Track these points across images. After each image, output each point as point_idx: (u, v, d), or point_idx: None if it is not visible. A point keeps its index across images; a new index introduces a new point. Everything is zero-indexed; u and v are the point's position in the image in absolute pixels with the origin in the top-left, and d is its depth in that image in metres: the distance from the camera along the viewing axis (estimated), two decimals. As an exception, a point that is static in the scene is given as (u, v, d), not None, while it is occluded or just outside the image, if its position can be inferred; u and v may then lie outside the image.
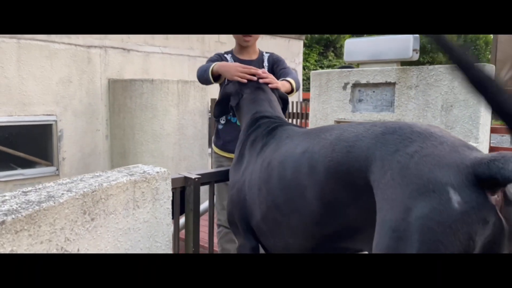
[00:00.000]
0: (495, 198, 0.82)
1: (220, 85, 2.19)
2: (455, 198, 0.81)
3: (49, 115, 4.61)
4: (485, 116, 2.40)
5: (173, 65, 5.78)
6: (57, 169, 4.70)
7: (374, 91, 2.82)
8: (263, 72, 1.84)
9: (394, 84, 2.67)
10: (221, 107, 1.83)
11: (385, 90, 2.76)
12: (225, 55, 2.33)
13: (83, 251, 1.11)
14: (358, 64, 3.04)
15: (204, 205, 2.76)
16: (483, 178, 0.80)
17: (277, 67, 2.36)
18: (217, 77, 2.03)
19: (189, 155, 5.16)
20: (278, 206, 1.26)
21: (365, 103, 2.86)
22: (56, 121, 4.66)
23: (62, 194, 1.06)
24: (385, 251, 0.88)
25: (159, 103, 4.89)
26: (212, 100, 5.33)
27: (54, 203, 1.01)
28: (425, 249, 0.82)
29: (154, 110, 4.89)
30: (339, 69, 3.00)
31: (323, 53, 16.12)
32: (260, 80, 1.80)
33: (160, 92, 4.87)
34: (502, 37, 9.49)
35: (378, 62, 2.81)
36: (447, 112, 2.47)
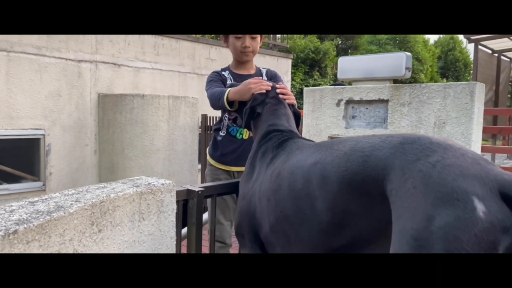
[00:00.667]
0: None
1: (235, 111, 2.04)
2: (479, 207, 0.82)
3: (37, 129, 4.53)
4: (477, 133, 2.46)
5: (163, 81, 5.78)
6: (43, 184, 4.61)
7: (367, 108, 2.87)
8: (281, 86, 1.82)
9: (387, 101, 2.72)
10: (248, 116, 1.73)
11: (378, 107, 2.81)
12: (223, 72, 2.34)
13: (90, 263, 1.08)
14: (350, 82, 3.09)
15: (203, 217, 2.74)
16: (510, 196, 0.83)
17: (274, 82, 2.39)
18: (231, 103, 1.94)
19: (179, 171, 5.13)
20: (287, 217, 1.25)
21: (359, 120, 2.90)
22: (44, 135, 4.59)
23: (71, 204, 1.05)
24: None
25: (149, 118, 4.87)
26: (203, 115, 5.33)
27: (64, 213, 0.99)
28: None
29: (144, 125, 4.86)
30: (332, 86, 3.05)
31: (308, 72, 16.32)
32: (278, 91, 1.77)
33: (151, 107, 4.86)
34: (481, 59, 9.79)
35: (371, 80, 2.86)
36: (439, 129, 2.52)
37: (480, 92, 2.43)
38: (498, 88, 10.31)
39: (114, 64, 5.25)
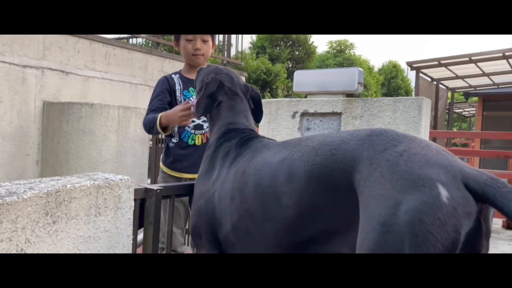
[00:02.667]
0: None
1: (168, 136, 2.20)
2: (443, 193, 0.86)
3: (-27, 135, 4.22)
4: (423, 146, 2.60)
5: (113, 92, 5.62)
6: (-23, 195, 4.26)
7: (321, 120, 2.95)
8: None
9: (340, 114, 2.81)
10: (205, 105, 1.68)
11: (331, 120, 2.90)
12: (173, 76, 2.31)
13: (42, 256, 1.01)
14: (306, 95, 3.17)
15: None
16: (474, 192, 0.87)
17: None
18: (165, 128, 2.06)
19: (127, 184, 4.95)
20: (252, 215, 1.23)
21: (313, 131, 2.97)
22: (-20, 142, 4.27)
23: (25, 191, 0.97)
24: (373, 247, 0.89)
25: (97, 128, 4.69)
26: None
27: (18, 198, 0.92)
28: (415, 241, 0.84)
29: (92, 135, 4.67)
30: (288, 99, 3.11)
31: (260, 92, 16.58)
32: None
33: (100, 117, 4.69)
34: (422, 86, 10.43)
35: (325, 93, 2.95)
36: (389, 141, 2.64)
37: (427, 107, 2.58)
38: (437, 114, 11.00)
39: (62, 71, 5.04)
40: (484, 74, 10.53)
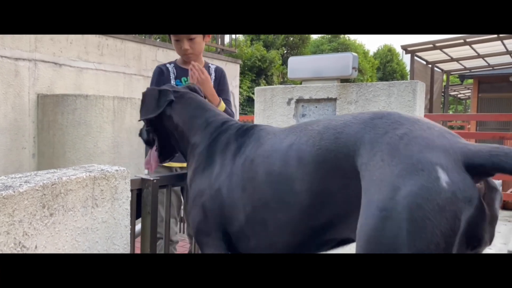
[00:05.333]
0: (479, 185, 0.88)
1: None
2: (443, 178, 0.84)
3: (-33, 130, 4.20)
4: (418, 129, 2.61)
5: (107, 82, 5.59)
6: (-26, 190, 4.26)
7: (316, 106, 2.95)
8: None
9: (335, 99, 2.81)
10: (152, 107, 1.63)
11: (327, 106, 2.90)
12: (167, 65, 2.32)
13: (40, 248, 1.02)
14: (300, 82, 3.17)
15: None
16: (482, 168, 0.85)
17: (221, 85, 2.40)
18: None
19: (125, 175, 4.95)
20: (267, 203, 1.21)
21: (308, 118, 2.97)
22: (-25, 137, 4.26)
23: (21, 184, 0.98)
24: (371, 232, 0.89)
25: (93, 120, 4.68)
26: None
27: (14, 192, 0.92)
28: (413, 226, 0.83)
29: (87, 127, 4.66)
30: (283, 86, 3.10)
31: (255, 80, 16.50)
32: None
33: (95, 108, 4.67)
34: (417, 69, 10.42)
35: (320, 79, 2.95)
36: (384, 125, 2.64)
37: (421, 90, 2.58)
38: (432, 97, 11.01)
39: (55, 63, 5.00)
40: (479, 56, 10.52)
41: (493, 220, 0.92)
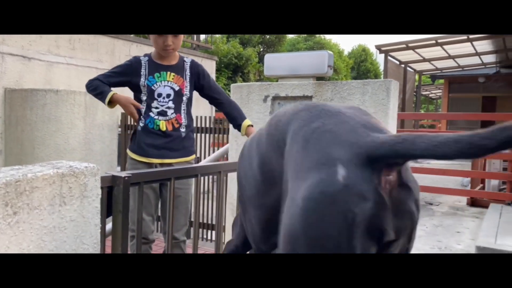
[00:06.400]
0: (389, 178, 0.89)
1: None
2: (340, 172, 0.86)
3: None
4: (392, 127, 2.63)
5: (79, 77, 5.44)
6: None
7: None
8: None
9: (311, 97, 2.82)
10: None
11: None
12: (141, 58, 2.26)
13: (3, 248, 0.97)
14: (277, 79, 3.16)
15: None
16: (381, 158, 0.87)
17: (206, 82, 2.33)
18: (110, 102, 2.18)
19: (97, 172, 4.84)
20: (246, 180, 1.34)
21: (284, 115, 2.98)
22: None
23: (-19, 181, 0.93)
24: (283, 220, 0.96)
25: (63, 116, 4.55)
26: (123, 114, 5.11)
27: (-27, 189, 0.87)
28: (305, 217, 0.87)
29: (58, 123, 4.52)
30: (259, 83, 3.09)
31: (231, 77, 16.45)
32: None
33: (66, 104, 4.54)
34: (390, 69, 10.61)
35: (296, 77, 2.95)
36: (359, 123, 2.67)
37: (395, 89, 2.62)
38: (405, 96, 11.22)
39: (24, 57, 4.83)
40: (449, 56, 10.79)
41: (402, 214, 0.91)
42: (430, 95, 20.32)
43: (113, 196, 1.47)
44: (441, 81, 14.26)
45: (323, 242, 0.86)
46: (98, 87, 2.19)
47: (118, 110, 5.13)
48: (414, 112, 12.81)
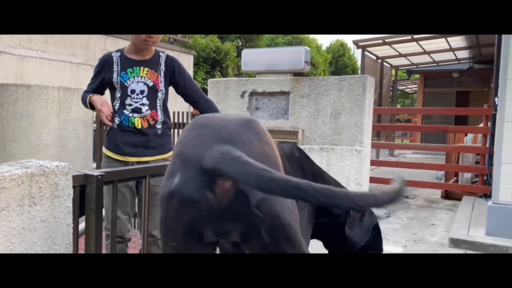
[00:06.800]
0: (225, 187, 0.99)
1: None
2: (175, 180, 1.01)
3: None
4: (368, 123, 2.67)
5: (52, 72, 5.30)
6: None
7: (270, 100, 2.95)
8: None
9: (288, 93, 2.82)
10: None
11: (280, 99, 2.90)
12: (113, 54, 2.21)
13: (-32, 252, 0.93)
14: (254, 75, 3.15)
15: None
16: (210, 171, 0.98)
17: (182, 79, 2.29)
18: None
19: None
20: None
21: (262, 111, 2.97)
22: None
23: None
24: None
25: (36, 111, 4.42)
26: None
27: None
28: (159, 210, 1.07)
29: (30, 118, 4.40)
30: (237, 78, 3.07)
31: (210, 71, 16.34)
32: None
33: (39, 99, 4.41)
34: (367, 64, 10.73)
35: (274, 73, 2.95)
36: (335, 119, 2.69)
37: (370, 85, 2.65)
38: (381, 91, 11.38)
39: (-7, 50, 4.68)
40: (425, 52, 10.98)
41: (241, 218, 1.01)
42: (407, 90, 20.66)
43: (86, 195, 1.44)
44: (417, 76, 14.52)
45: (167, 233, 1.08)
46: (83, 99, 2.25)
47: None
48: (391, 106, 13.01)
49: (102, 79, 2.19)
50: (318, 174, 1.68)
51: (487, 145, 5.55)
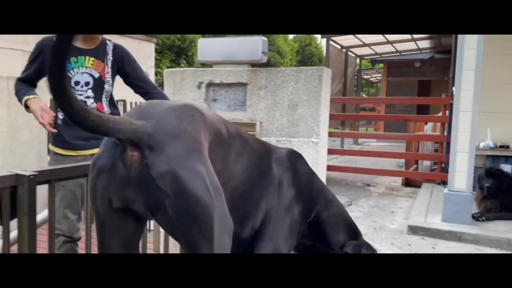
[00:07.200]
0: (133, 158, 1.06)
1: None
2: (99, 151, 1.15)
3: None
4: (324, 115, 2.65)
5: (2, 61, 5.02)
6: None
7: (227, 91, 2.88)
8: None
9: (245, 84, 2.77)
10: None
11: (237, 90, 2.84)
12: (55, 38, 2.07)
13: None
14: (212, 65, 3.07)
15: (42, 214, 2.43)
16: (120, 141, 1.06)
17: (132, 69, 2.18)
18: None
19: (24, 163, 4.53)
20: None
21: (219, 103, 2.90)
22: None
23: None
24: None
25: (-16, 103, 4.18)
26: (51, 100, 4.79)
27: None
28: None
29: (-23, 110, 4.15)
30: (193, 69, 2.98)
31: (175, 60, 16.04)
32: None
33: (-14, 90, 4.17)
34: (332, 54, 10.79)
35: (230, 63, 2.87)
36: (292, 111, 2.66)
37: (327, 76, 2.62)
38: (346, 80, 11.50)
39: None
40: (388, 42, 11.13)
41: (148, 189, 1.05)
42: (371, 79, 21.01)
43: (17, 197, 1.34)
44: (381, 65, 14.75)
45: (91, 201, 1.17)
46: (17, 92, 2.08)
47: (47, 95, 4.81)
48: (356, 96, 13.18)
49: (39, 66, 2.03)
50: (316, 188, 1.70)
51: (445, 134, 5.71)
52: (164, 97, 2.26)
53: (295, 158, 1.66)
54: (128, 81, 2.18)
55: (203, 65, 2.86)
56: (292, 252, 1.65)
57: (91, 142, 2.06)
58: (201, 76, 2.90)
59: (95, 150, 2.04)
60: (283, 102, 2.68)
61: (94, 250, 1.34)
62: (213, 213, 1.06)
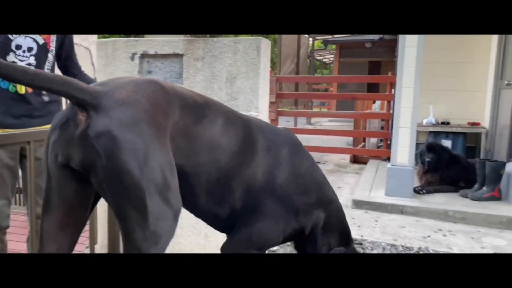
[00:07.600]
0: (81, 118, 1.08)
1: None
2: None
3: None
4: (263, 88, 2.57)
5: None
6: None
7: (163, 63, 2.73)
8: None
9: (182, 55, 2.63)
10: None
11: (173, 62, 2.70)
12: None
13: None
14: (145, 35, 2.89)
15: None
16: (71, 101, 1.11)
17: (71, 51, 2.10)
18: None
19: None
20: None
21: (155, 75, 2.74)
22: None
23: None
24: None
25: None
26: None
27: None
28: None
29: None
30: (125, 38, 2.80)
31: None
32: None
33: None
34: (285, 36, 10.73)
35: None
36: (231, 83, 2.55)
37: (266, 48, 2.53)
38: (299, 61, 11.52)
39: None
40: (339, 22, 11.21)
41: (87, 148, 1.07)
42: (324, 60, 21.22)
43: None
44: (333, 46, 14.89)
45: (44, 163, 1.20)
46: None
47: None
48: (309, 75, 13.27)
49: None
50: (316, 184, 1.53)
51: (391, 111, 5.83)
52: (88, 80, 2.12)
53: (294, 152, 1.50)
54: (61, 63, 2.08)
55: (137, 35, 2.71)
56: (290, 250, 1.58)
57: (21, 121, 1.88)
58: (134, 46, 2.73)
59: (27, 130, 1.86)
60: (221, 74, 2.57)
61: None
62: (144, 185, 1.06)
